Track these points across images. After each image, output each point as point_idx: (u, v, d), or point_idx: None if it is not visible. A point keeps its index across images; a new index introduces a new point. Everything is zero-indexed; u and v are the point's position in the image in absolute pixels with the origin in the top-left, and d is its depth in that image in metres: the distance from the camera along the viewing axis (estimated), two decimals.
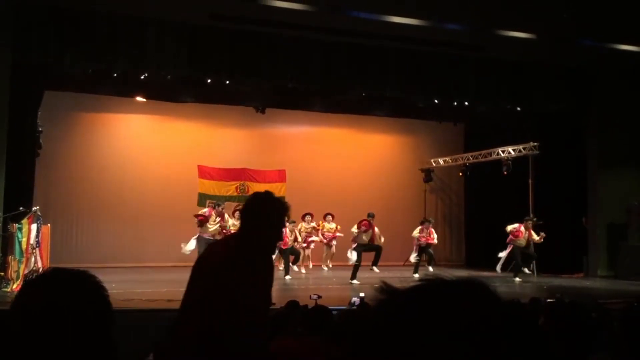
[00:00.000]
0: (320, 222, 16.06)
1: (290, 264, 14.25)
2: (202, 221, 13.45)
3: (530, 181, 15.51)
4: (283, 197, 17.38)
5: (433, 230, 14.99)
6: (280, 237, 3.29)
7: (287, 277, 13.46)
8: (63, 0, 11.44)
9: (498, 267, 14.43)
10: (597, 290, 12.51)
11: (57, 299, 1.29)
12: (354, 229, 13.60)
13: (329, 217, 16.14)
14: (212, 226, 13.82)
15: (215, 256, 3.03)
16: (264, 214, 3.03)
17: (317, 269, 15.81)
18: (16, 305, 1.31)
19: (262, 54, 12.87)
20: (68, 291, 1.32)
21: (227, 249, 3.07)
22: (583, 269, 15.34)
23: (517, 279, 13.74)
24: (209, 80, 13.63)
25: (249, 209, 3.12)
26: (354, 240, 13.64)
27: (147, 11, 11.80)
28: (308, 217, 15.71)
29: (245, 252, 2.95)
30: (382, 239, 13.85)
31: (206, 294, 2.81)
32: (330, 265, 16.27)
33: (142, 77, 13.22)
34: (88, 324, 1.29)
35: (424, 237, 14.65)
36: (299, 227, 15.48)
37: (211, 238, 12.61)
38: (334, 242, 16.06)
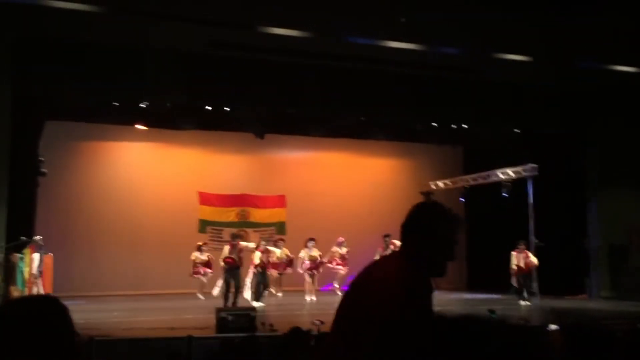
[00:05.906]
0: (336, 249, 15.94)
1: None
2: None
3: (530, 203, 15.50)
4: (283, 222, 17.45)
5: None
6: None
7: (256, 303, 12.73)
8: (62, 32, 11.51)
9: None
10: (600, 311, 12.45)
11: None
12: None
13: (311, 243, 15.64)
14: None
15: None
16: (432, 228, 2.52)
17: (320, 294, 15.60)
18: None
19: (261, 80, 12.96)
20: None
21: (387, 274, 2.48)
22: (586, 290, 15.29)
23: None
24: (208, 108, 13.70)
25: (414, 221, 2.60)
26: None
27: (146, 40, 11.89)
28: (311, 243, 15.51)
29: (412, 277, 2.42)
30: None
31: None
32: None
33: (142, 106, 13.28)
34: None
35: None
36: (301, 253, 15.36)
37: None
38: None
